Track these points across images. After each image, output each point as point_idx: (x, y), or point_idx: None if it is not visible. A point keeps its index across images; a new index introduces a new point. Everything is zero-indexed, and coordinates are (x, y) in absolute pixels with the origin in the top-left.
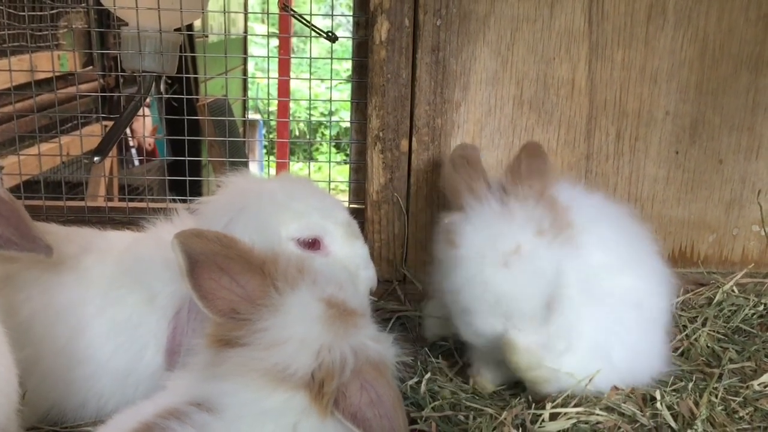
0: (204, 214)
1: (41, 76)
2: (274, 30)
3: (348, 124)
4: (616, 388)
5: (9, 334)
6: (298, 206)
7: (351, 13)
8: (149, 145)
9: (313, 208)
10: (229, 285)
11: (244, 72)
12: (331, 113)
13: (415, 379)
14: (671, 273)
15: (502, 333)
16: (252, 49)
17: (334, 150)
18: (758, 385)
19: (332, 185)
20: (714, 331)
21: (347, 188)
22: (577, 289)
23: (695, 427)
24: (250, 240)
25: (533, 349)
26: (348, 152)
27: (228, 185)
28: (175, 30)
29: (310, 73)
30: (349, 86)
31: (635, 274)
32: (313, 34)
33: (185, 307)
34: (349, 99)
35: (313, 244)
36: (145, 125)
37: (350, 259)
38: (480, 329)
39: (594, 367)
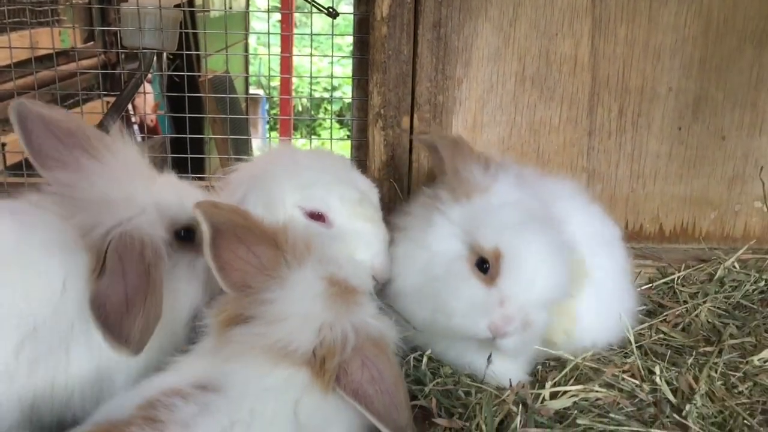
0: (230, 181)
1: (42, 52)
2: (276, 5)
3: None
4: (615, 365)
5: None
6: (308, 177)
7: None
8: (151, 121)
9: (323, 181)
10: (245, 255)
11: (246, 46)
12: (333, 89)
13: (416, 355)
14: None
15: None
16: (254, 24)
17: (336, 126)
18: (758, 360)
19: None
20: (715, 307)
21: None
22: None
23: (694, 401)
24: (261, 201)
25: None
26: (351, 128)
27: (261, 154)
28: (175, 6)
29: (312, 48)
30: (351, 61)
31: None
32: (314, 9)
33: None
34: (351, 76)
35: (317, 216)
36: (147, 102)
37: (351, 237)
38: None
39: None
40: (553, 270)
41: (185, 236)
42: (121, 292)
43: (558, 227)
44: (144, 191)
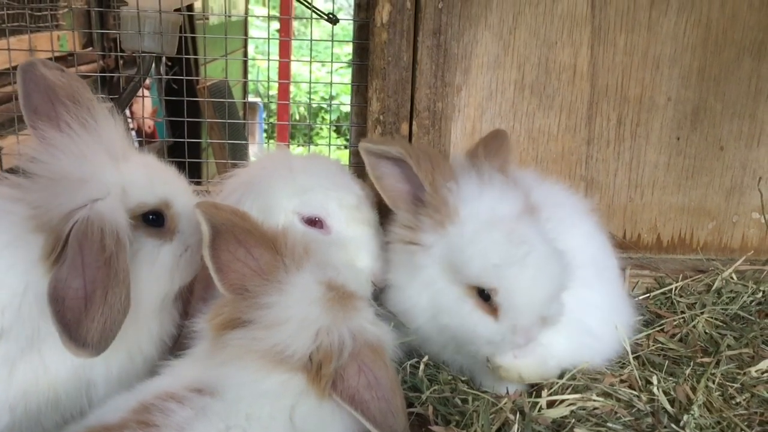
0: (226, 187)
1: (41, 56)
2: (275, 13)
3: (348, 109)
4: (612, 375)
5: None
6: (305, 182)
7: None
8: (149, 127)
9: (320, 186)
10: (244, 257)
11: (245, 54)
12: (331, 97)
13: (413, 361)
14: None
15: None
16: (252, 32)
17: (334, 134)
18: (756, 371)
19: None
20: (712, 318)
21: None
22: None
23: (692, 412)
24: (256, 207)
25: (515, 365)
26: (348, 137)
27: (254, 159)
28: (175, 10)
29: (311, 56)
30: (349, 71)
31: (590, 250)
32: (314, 16)
33: None
34: (350, 83)
35: (314, 222)
36: (145, 107)
37: (350, 243)
38: None
39: (582, 343)
40: (549, 284)
41: (154, 221)
42: (80, 287)
43: (540, 225)
44: (111, 171)
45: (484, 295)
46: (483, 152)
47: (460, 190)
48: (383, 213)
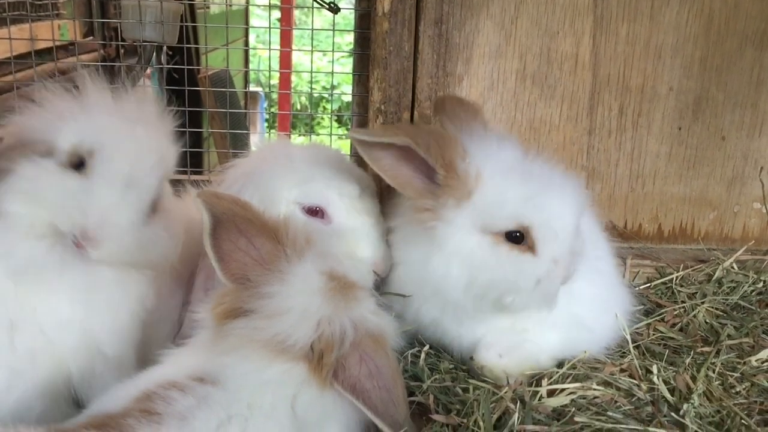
0: (226, 177)
1: (41, 45)
2: (276, 2)
3: (349, 98)
4: (612, 364)
5: None
6: (306, 172)
7: None
8: None
9: (321, 176)
10: (245, 247)
11: (246, 44)
12: (332, 87)
13: (414, 350)
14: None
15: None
16: (253, 21)
17: (335, 124)
18: (756, 360)
19: None
20: (713, 307)
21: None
22: None
23: (692, 400)
24: (257, 198)
25: (499, 365)
26: (349, 126)
27: (255, 149)
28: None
29: (312, 46)
30: (350, 60)
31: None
32: (315, 5)
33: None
34: (351, 72)
35: (315, 212)
36: None
37: (351, 233)
38: None
39: (574, 336)
40: (574, 206)
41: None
42: None
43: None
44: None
45: (513, 238)
46: (461, 112)
47: (474, 157)
48: (384, 202)
